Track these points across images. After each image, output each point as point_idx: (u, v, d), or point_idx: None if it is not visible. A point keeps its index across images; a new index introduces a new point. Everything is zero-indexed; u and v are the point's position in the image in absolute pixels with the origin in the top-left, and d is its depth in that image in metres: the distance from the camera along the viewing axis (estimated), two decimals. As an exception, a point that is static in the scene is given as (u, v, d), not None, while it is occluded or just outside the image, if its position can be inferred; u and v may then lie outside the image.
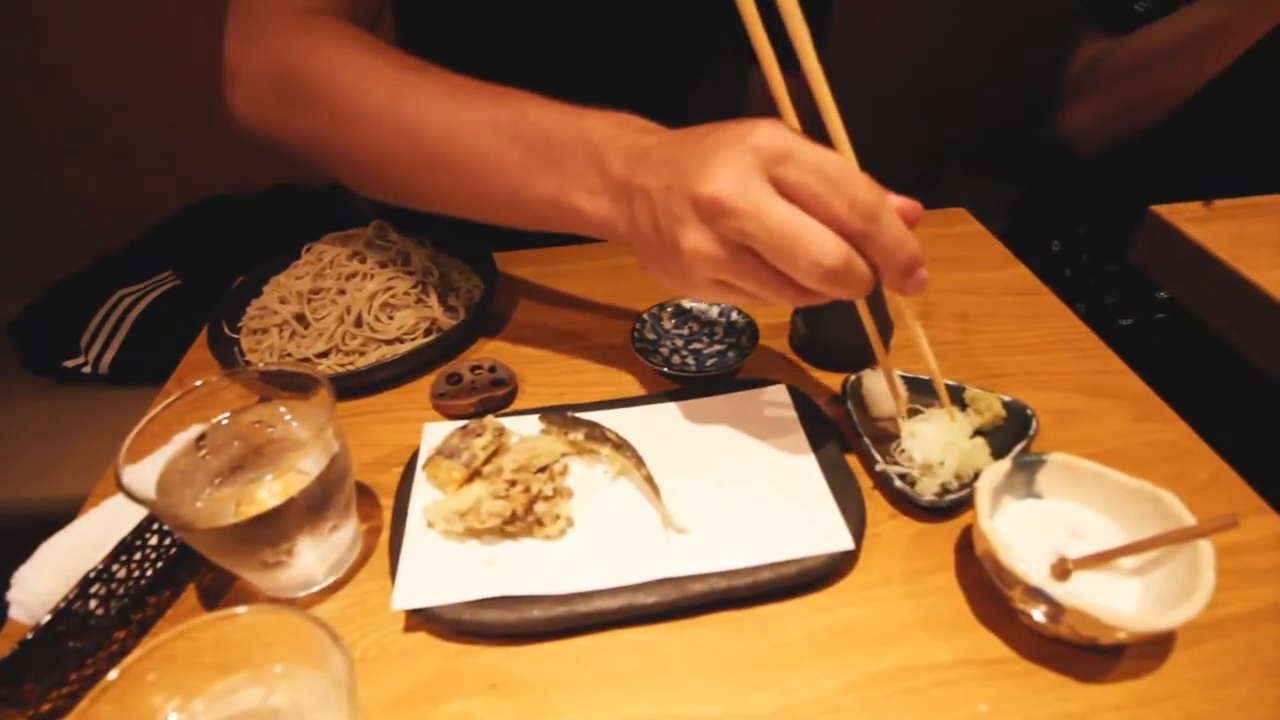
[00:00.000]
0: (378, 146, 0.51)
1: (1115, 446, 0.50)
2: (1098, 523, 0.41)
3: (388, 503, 0.48)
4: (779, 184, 0.35)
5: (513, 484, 0.44)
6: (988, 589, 0.41)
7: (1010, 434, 0.48)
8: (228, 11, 0.56)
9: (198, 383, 0.42)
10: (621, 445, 0.47)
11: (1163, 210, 0.66)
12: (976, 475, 0.44)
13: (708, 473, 0.47)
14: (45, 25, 1.27)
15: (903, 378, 0.52)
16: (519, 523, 0.43)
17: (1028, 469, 0.42)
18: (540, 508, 0.43)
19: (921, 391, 0.51)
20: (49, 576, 0.41)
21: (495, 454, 0.47)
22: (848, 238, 0.35)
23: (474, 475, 0.46)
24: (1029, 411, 0.48)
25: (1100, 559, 0.38)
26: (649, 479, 0.45)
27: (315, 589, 0.43)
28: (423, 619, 0.40)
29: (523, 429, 0.50)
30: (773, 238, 0.35)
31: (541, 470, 0.46)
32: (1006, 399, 0.50)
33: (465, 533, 0.43)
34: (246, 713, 0.30)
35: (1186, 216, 0.64)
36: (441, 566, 0.42)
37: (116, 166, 1.41)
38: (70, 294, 1.24)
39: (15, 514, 1.04)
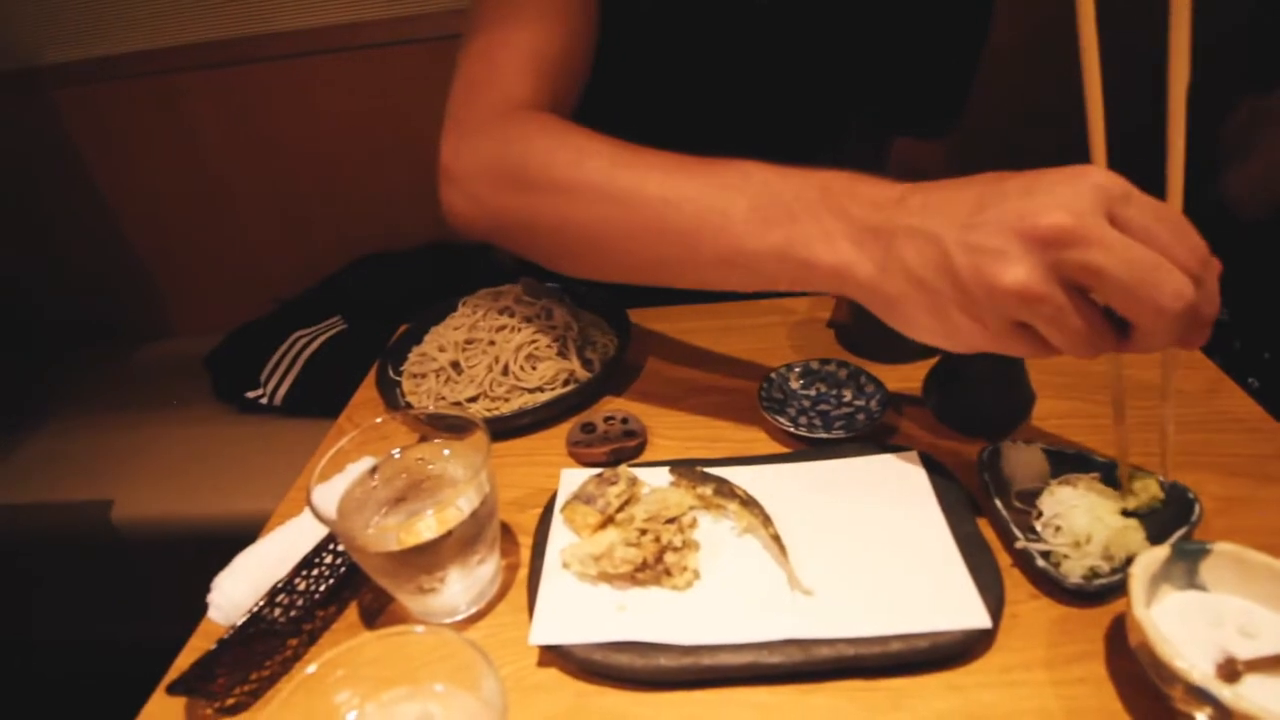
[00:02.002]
0: (594, 217, 0.52)
1: (1295, 540, 0.45)
2: (1273, 622, 0.37)
3: (525, 541, 0.52)
4: (1120, 223, 0.35)
5: (643, 533, 0.46)
6: (1143, 685, 0.38)
7: (1169, 519, 0.45)
8: (444, 125, 0.60)
9: (378, 419, 0.47)
10: (749, 502, 0.48)
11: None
12: (1129, 560, 0.41)
13: (835, 536, 0.47)
14: (250, 114, 1.50)
15: (1046, 450, 0.50)
16: (648, 571, 0.45)
17: (1189, 558, 0.39)
18: (669, 558, 0.45)
19: (1067, 465, 0.49)
20: (242, 584, 0.47)
21: (628, 503, 0.50)
22: None
23: (607, 521, 0.48)
24: (1190, 495, 0.45)
25: (1276, 663, 0.35)
26: (776, 538, 0.46)
27: (459, 618, 0.47)
28: (556, 655, 0.43)
29: (653, 480, 0.52)
30: (1130, 270, 0.34)
31: (670, 521, 0.48)
32: (1165, 480, 0.47)
33: (598, 576, 0.46)
34: (409, 723, 0.33)
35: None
36: (575, 606, 0.44)
37: (297, 226, 1.62)
38: (255, 333, 1.42)
39: (201, 525, 1.18)
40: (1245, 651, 0.36)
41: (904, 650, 0.40)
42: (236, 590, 0.47)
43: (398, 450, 0.48)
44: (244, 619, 0.44)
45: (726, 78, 0.72)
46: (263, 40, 1.41)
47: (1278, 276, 0.86)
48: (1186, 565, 0.40)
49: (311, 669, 0.30)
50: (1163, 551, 0.39)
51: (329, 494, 0.45)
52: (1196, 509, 0.45)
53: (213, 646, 0.43)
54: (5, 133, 1.55)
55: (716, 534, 0.48)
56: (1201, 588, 0.40)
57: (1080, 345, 0.37)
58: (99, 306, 1.77)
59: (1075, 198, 0.35)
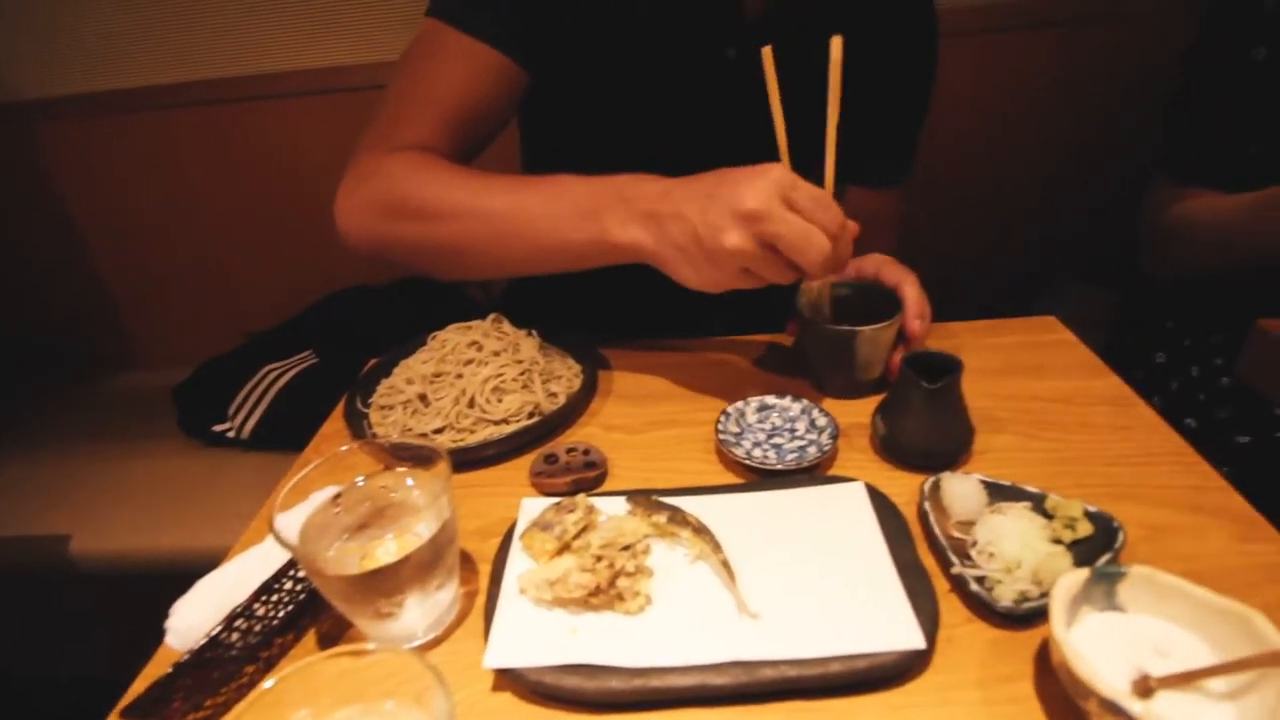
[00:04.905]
0: (462, 234, 0.66)
1: (1213, 566, 0.48)
2: (1186, 641, 0.40)
3: (485, 569, 0.53)
4: (789, 204, 0.53)
5: (599, 559, 0.48)
6: (1068, 704, 0.40)
7: (1096, 546, 0.48)
8: (349, 162, 0.73)
9: (344, 448, 0.49)
10: (701, 530, 0.50)
11: (1269, 324, 0.65)
12: (1057, 584, 0.44)
13: (783, 563, 0.49)
14: (230, 151, 1.53)
15: (983, 482, 0.52)
16: (602, 596, 0.46)
17: (1108, 580, 0.42)
18: (622, 583, 0.47)
19: (1003, 495, 0.52)
20: (201, 610, 0.48)
21: (584, 530, 0.51)
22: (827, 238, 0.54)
23: (564, 548, 0.50)
24: (1115, 524, 0.48)
25: (1185, 679, 0.37)
26: (725, 564, 0.48)
27: (416, 643, 0.48)
28: (509, 680, 0.44)
29: (611, 509, 0.54)
30: (793, 236, 0.52)
31: (626, 549, 0.49)
32: (1092, 509, 0.50)
33: (553, 601, 0.47)
34: (360, 740, 0.34)
35: (1294, 331, 0.62)
36: (530, 631, 0.45)
37: (271, 260, 1.64)
38: (224, 366, 1.41)
39: (163, 559, 1.16)
40: (1160, 669, 0.39)
41: (844, 671, 0.41)
42: (195, 615, 0.48)
43: (361, 478, 0.50)
44: (201, 643, 0.44)
45: (685, 125, 0.76)
46: (246, 81, 1.45)
47: (1210, 321, 0.91)
48: (1105, 588, 0.42)
49: (269, 684, 0.31)
50: (1082, 574, 0.42)
51: (292, 521, 0.46)
52: (1120, 536, 0.47)
53: (169, 670, 0.43)
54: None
55: (670, 561, 0.50)
56: (1120, 609, 0.42)
57: (780, 277, 0.56)
58: (65, 337, 1.75)
59: (763, 189, 0.52)
